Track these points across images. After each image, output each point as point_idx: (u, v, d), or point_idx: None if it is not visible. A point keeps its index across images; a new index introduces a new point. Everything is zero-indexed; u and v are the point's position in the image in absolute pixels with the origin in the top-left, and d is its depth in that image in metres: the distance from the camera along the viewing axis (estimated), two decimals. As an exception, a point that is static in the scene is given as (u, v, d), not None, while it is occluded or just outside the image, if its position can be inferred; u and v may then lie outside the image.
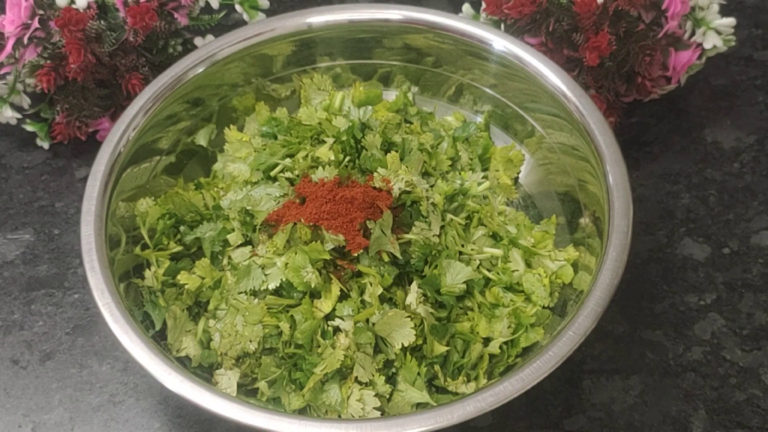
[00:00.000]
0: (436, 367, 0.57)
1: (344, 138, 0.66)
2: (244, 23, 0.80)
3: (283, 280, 0.58)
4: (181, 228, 0.63)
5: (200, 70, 0.68)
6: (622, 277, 0.55)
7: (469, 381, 0.58)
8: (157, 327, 0.59)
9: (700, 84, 0.82)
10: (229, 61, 0.69)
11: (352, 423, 0.49)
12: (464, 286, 0.59)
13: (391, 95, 0.74)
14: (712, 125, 0.79)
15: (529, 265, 0.63)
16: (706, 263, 0.70)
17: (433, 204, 0.62)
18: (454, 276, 0.59)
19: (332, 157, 0.65)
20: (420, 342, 0.57)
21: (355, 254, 0.58)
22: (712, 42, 0.73)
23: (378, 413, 0.55)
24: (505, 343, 0.59)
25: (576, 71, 0.72)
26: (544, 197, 0.69)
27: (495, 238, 0.64)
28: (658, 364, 0.64)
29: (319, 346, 0.57)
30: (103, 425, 0.62)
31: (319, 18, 0.70)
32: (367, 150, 0.65)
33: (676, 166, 0.76)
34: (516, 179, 0.71)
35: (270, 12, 0.79)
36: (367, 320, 0.57)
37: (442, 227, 0.61)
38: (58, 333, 0.67)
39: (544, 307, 0.61)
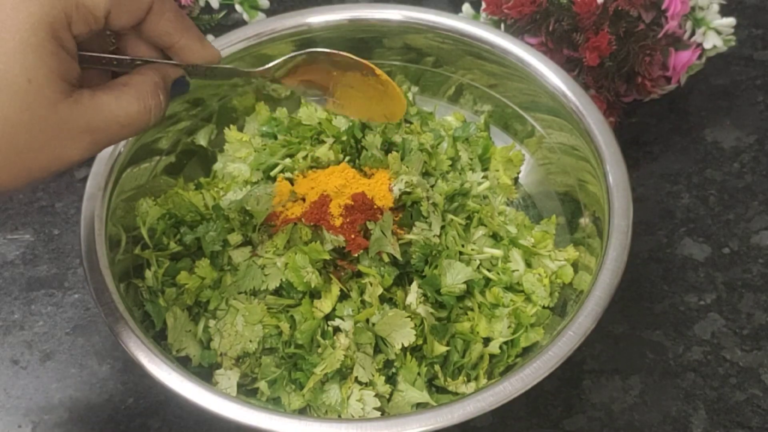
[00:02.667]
0: (436, 367, 0.57)
1: (344, 138, 0.66)
2: (244, 23, 0.80)
3: (283, 280, 0.58)
4: (181, 228, 0.63)
5: (200, 70, 0.68)
6: (622, 277, 0.55)
7: (469, 381, 0.58)
8: (157, 327, 0.59)
9: (700, 84, 0.82)
10: (229, 61, 0.69)
11: (352, 423, 0.49)
12: (464, 286, 0.59)
13: (391, 95, 0.74)
14: (712, 125, 0.80)
15: (529, 265, 0.63)
16: (706, 263, 0.70)
17: (434, 204, 0.62)
18: (455, 276, 0.59)
19: (332, 157, 0.65)
20: (420, 342, 0.57)
21: (355, 255, 0.58)
22: (712, 42, 0.73)
23: (378, 413, 0.55)
24: (505, 343, 0.59)
25: (576, 71, 0.72)
26: (544, 197, 0.69)
27: (495, 238, 0.64)
28: (658, 364, 0.64)
29: (319, 346, 0.57)
30: (103, 425, 0.62)
31: (319, 18, 0.70)
32: (367, 150, 0.65)
33: (676, 166, 0.76)
34: (516, 179, 0.71)
35: (270, 12, 0.79)
36: (367, 320, 0.57)
37: (442, 227, 0.61)
38: (58, 333, 0.67)
39: (544, 307, 0.61)
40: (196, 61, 0.48)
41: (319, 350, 0.57)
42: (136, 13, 0.44)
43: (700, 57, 0.75)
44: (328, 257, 0.58)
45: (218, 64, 0.49)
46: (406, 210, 0.61)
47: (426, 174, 0.67)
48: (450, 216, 0.63)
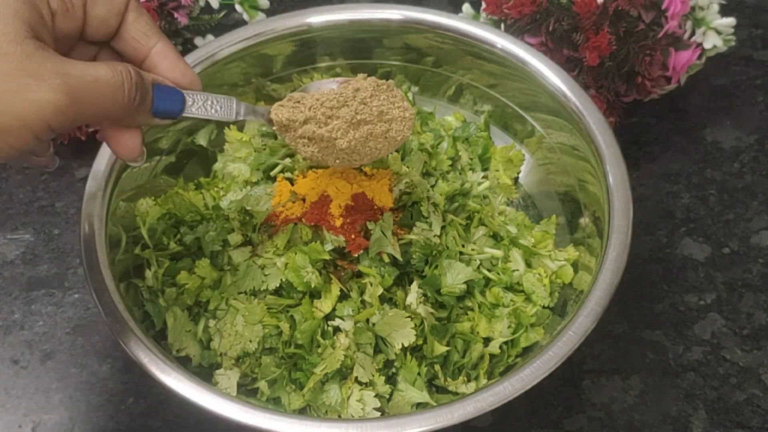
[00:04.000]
0: (437, 367, 0.57)
1: (344, 138, 0.66)
2: (244, 23, 0.80)
3: (283, 280, 0.58)
4: (181, 228, 0.63)
5: (200, 70, 0.68)
6: (622, 277, 0.55)
7: (469, 381, 0.58)
8: (157, 327, 0.59)
9: (700, 84, 0.82)
10: (229, 61, 0.69)
11: (352, 423, 0.49)
12: (464, 286, 0.59)
13: (391, 95, 0.74)
14: (712, 125, 0.79)
15: (529, 265, 0.63)
16: (706, 263, 0.70)
17: (434, 204, 0.62)
18: (455, 276, 0.59)
19: (332, 157, 0.65)
20: (420, 342, 0.57)
21: (355, 255, 0.58)
22: (712, 42, 0.73)
23: (378, 413, 0.55)
24: (505, 343, 0.59)
25: (576, 71, 0.72)
26: (544, 197, 0.69)
27: (495, 238, 0.64)
28: (658, 364, 0.64)
29: (319, 346, 0.57)
30: (103, 425, 0.62)
31: (319, 18, 0.70)
32: (367, 150, 0.65)
33: (676, 166, 0.76)
34: (516, 179, 0.71)
35: (270, 12, 0.79)
36: (367, 320, 0.57)
37: (442, 227, 0.61)
38: (58, 333, 0.67)
39: (544, 307, 0.61)
40: (174, 76, 0.47)
41: (319, 350, 0.57)
42: (115, 6, 0.45)
43: (700, 57, 0.75)
44: (328, 257, 0.58)
45: (199, 89, 0.49)
46: (407, 210, 0.61)
47: (426, 174, 0.67)
48: (450, 216, 0.63)
